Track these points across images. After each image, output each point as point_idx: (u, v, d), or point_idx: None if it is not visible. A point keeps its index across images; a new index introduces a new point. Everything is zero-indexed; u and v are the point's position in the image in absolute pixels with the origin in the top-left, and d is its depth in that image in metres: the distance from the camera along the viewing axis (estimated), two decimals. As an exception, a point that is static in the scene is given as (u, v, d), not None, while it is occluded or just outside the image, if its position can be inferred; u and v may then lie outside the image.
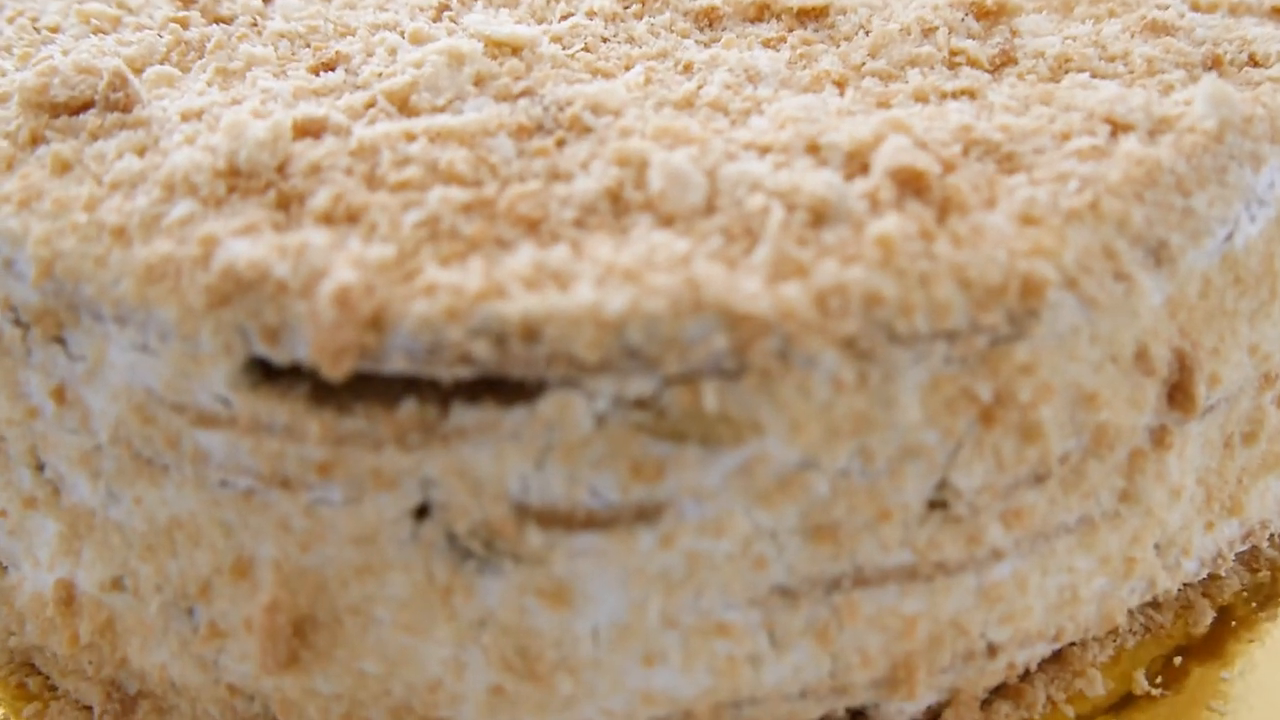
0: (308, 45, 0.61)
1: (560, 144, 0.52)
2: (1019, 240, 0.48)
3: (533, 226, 0.48)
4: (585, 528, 0.48)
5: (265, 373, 0.48)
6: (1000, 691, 0.56)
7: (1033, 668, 0.57)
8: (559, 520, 0.48)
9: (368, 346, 0.45)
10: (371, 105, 0.54)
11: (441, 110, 0.54)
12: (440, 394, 0.47)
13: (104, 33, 0.63)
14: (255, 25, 0.62)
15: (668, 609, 0.49)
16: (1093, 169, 0.50)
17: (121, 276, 0.48)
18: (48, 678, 0.60)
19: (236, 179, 0.50)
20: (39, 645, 0.58)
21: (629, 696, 0.50)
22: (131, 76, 0.55)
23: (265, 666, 0.51)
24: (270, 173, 0.50)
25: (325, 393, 0.47)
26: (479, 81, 0.55)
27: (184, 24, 0.62)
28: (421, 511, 0.48)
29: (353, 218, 0.48)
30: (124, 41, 0.61)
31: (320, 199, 0.49)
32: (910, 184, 0.49)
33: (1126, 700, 0.58)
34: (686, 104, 0.55)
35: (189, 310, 0.47)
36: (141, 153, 0.52)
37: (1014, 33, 0.59)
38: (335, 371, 0.45)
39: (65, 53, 0.60)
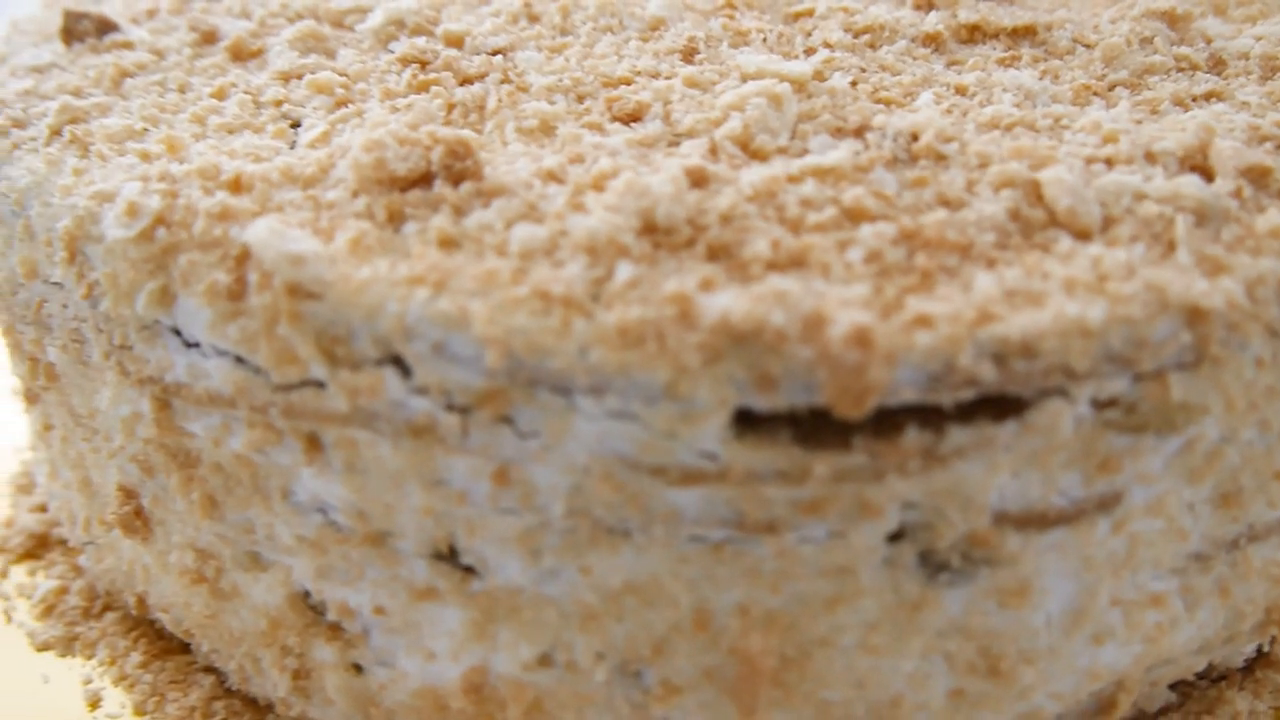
0: (581, 99, 0.60)
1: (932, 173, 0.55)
2: (1362, 222, 0.55)
3: (965, 252, 0.51)
4: (1055, 525, 0.51)
5: (747, 422, 0.49)
6: None
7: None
8: (1033, 522, 0.51)
9: (888, 383, 0.47)
10: (715, 151, 0.55)
11: (785, 150, 0.56)
12: (931, 418, 0.49)
13: (350, 102, 0.60)
14: (509, 81, 0.61)
15: (1114, 589, 0.53)
16: (1383, 153, 0.58)
17: (590, 346, 0.48)
18: (413, 776, 0.57)
19: (657, 235, 0.50)
20: (412, 742, 0.56)
21: (1078, 677, 0.54)
22: (475, 145, 0.54)
23: (745, 712, 0.51)
24: (685, 226, 0.51)
25: (806, 432, 0.49)
26: (802, 119, 0.57)
27: (445, 85, 0.60)
28: (895, 534, 0.51)
29: (798, 262, 0.50)
30: (395, 109, 0.59)
31: (759, 246, 0.50)
32: (1259, 180, 0.55)
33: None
34: (994, 125, 0.58)
35: (682, 370, 0.47)
36: (531, 220, 0.51)
37: (1206, 38, 0.66)
38: (857, 411, 0.47)
39: (339, 124, 0.58)
